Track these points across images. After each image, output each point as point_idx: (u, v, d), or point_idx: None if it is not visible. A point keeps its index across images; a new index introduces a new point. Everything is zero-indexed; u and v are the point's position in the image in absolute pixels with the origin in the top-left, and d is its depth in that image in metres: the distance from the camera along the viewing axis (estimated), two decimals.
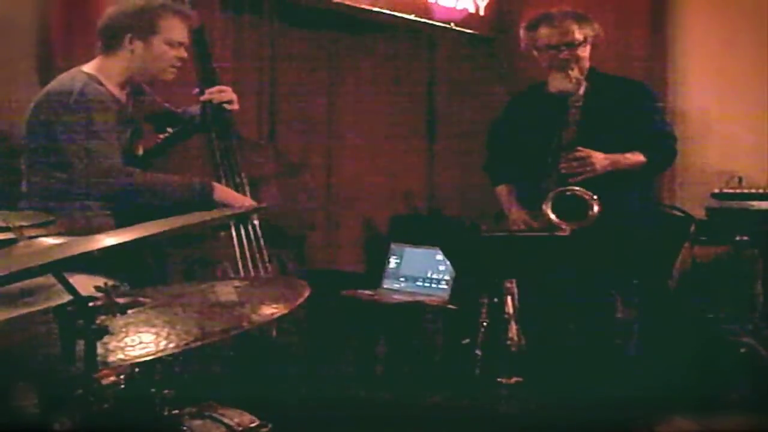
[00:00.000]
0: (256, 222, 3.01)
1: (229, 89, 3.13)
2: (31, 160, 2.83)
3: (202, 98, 3.10)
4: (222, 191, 2.92)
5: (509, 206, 3.45)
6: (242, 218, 2.96)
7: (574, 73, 3.25)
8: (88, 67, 2.87)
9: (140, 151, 3.04)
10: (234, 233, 2.97)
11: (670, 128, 3.48)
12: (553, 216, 3.11)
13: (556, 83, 3.29)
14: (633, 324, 3.22)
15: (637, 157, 3.24)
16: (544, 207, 3.13)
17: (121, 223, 2.73)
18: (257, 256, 2.98)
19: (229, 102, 3.11)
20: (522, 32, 3.40)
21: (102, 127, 2.75)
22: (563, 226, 3.10)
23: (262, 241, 3.00)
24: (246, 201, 2.97)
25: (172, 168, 2.97)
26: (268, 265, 2.99)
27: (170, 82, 3.00)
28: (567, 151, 3.18)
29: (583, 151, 3.16)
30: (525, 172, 3.36)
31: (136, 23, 2.84)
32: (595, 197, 3.08)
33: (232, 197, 2.93)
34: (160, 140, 3.10)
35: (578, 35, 3.28)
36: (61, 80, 2.82)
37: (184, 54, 2.94)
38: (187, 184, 2.89)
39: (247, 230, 3.00)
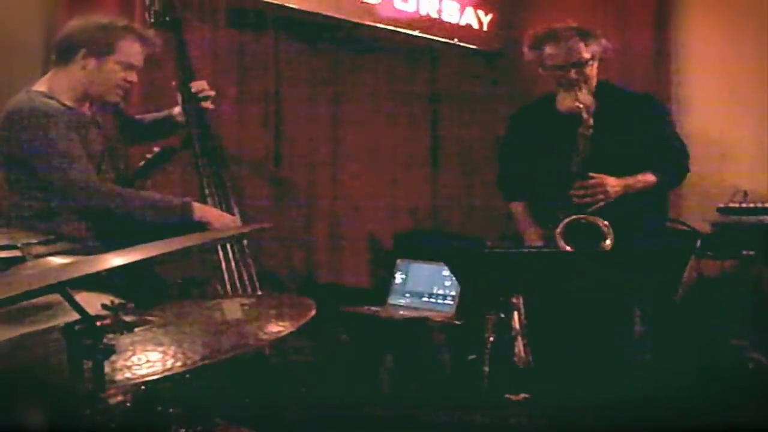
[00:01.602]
0: (244, 240, 2.99)
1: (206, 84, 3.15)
2: (9, 182, 2.80)
3: (192, 88, 3.10)
4: (202, 210, 2.89)
5: (525, 225, 3.41)
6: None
7: (583, 92, 3.18)
8: (38, 86, 2.84)
9: (123, 169, 3.04)
10: (221, 252, 2.94)
11: (681, 143, 3.43)
12: (564, 245, 3.08)
13: (565, 103, 3.24)
14: (648, 338, 3.19)
15: (649, 178, 3.22)
16: (556, 234, 3.10)
17: (106, 243, 2.74)
18: (245, 273, 2.96)
19: (206, 99, 3.11)
20: (526, 51, 3.34)
21: (62, 142, 2.71)
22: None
23: (250, 260, 2.98)
24: (226, 218, 2.94)
25: (157, 188, 2.97)
26: (257, 282, 2.97)
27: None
28: (579, 177, 3.13)
29: (596, 178, 3.13)
30: (538, 192, 3.33)
31: (94, 40, 2.81)
32: (609, 227, 3.04)
33: (212, 216, 2.90)
34: (145, 161, 3.09)
35: (585, 54, 3.21)
36: (13, 102, 2.79)
37: (134, 78, 2.89)
38: (166, 204, 2.86)
39: (233, 249, 2.97)
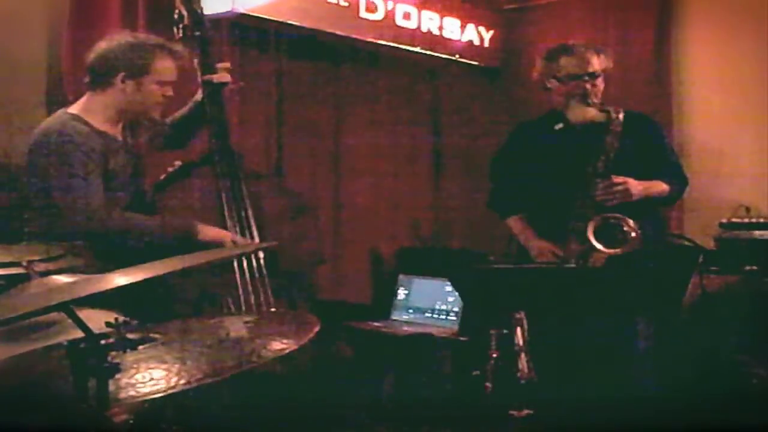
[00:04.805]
0: (260, 255, 3.00)
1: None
2: (30, 203, 2.85)
3: (204, 78, 3.11)
4: (206, 231, 2.90)
5: (526, 237, 3.43)
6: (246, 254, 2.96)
7: (596, 103, 3.25)
8: (74, 108, 2.88)
9: (147, 189, 3.04)
10: (237, 268, 2.96)
11: (677, 158, 3.56)
12: (595, 242, 3.13)
13: (579, 113, 3.30)
14: (649, 356, 3.21)
15: (663, 186, 3.31)
16: (588, 233, 3.13)
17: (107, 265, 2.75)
18: (261, 290, 2.97)
19: (225, 84, 3.14)
20: (539, 62, 3.42)
21: (81, 167, 2.74)
22: (605, 252, 3.11)
23: (266, 276, 2.99)
24: (231, 237, 2.94)
25: (177, 204, 2.98)
26: (272, 299, 2.98)
27: None
28: (602, 178, 3.18)
29: (618, 178, 3.18)
30: (543, 203, 3.34)
31: (131, 63, 2.84)
32: (633, 223, 3.10)
33: (217, 235, 2.91)
34: (166, 174, 3.10)
35: (598, 66, 3.31)
36: (47, 122, 2.85)
37: (170, 93, 2.93)
38: (168, 227, 2.87)
39: (250, 265, 2.98)
